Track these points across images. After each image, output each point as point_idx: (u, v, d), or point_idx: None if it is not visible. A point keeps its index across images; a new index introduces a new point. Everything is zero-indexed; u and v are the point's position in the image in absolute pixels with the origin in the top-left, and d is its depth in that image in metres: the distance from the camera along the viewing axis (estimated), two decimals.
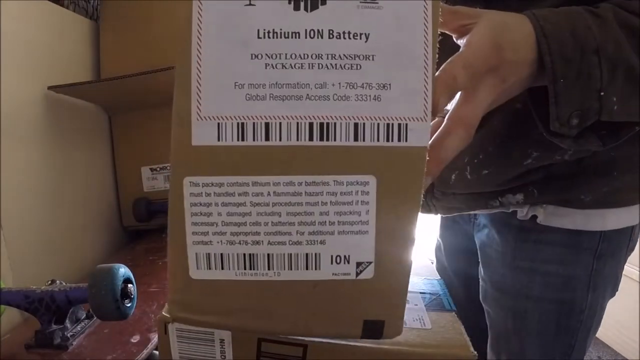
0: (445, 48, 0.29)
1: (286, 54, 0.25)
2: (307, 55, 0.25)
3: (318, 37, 0.25)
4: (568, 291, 0.49)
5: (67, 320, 0.60)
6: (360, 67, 0.25)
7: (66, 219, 0.89)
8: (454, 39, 0.32)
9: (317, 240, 0.27)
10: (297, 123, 0.25)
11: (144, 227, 1.07)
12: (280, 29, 0.25)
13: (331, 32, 0.25)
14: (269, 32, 0.25)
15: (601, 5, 0.34)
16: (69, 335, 0.60)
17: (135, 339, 0.61)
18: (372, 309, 0.29)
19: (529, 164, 0.44)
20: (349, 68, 0.25)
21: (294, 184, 0.26)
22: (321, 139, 0.25)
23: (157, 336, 0.58)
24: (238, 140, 0.25)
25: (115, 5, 1.05)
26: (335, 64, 0.25)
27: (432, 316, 0.39)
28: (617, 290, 0.53)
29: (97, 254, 0.99)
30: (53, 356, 0.58)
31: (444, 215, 0.59)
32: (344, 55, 0.25)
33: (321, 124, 0.25)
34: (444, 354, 0.34)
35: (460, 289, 0.63)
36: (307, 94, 0.25)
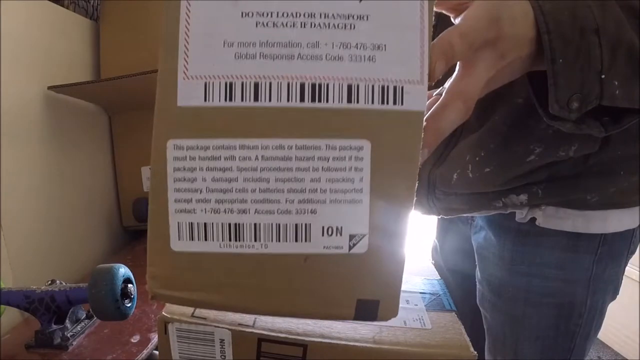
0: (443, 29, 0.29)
1: (277, 12, 0.24)
2: (299, 14, 0.24)
3: None
4: (567, 295, 0.48)
5: (67, 320, 0.60)
6: (354, 26, 0.24)
7: (66, 219, 0.89)
8: (452, 19, 0.32)
9: (307, 210, 0.25)
10: (288, 83, 0.24)
11: (144, 227, 1.07)
12: None
13: None
14: None
15: None
16: (69, 335, 0.60)
17: (135, 339, 0.61)
18: (366, 287, 0.26)
19: (532, 161, 0.43)
20: (342, 28, 0.24)
21: (283, 148, 0.25)
22: (313, 100, 0.24)
23: (157, 336, 0.59)
24: (226, 100, 0.24)
25: (115, 5, 1.05)
26: (328, 23, 0.24)
27: (432, 316, 0.39)
28: (617, 294, 0.52)
29: (97, 254, 0.99)
30: (53, 356, 0.58)
31: (444, 217, 0.58)
32: (337, 14, 0.24)
33: (313, 85, 0.24)
34: (444, 354, 0.34)
35: (456, 290, 0.63)
36: (299, 54, 0.24)
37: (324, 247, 0.26)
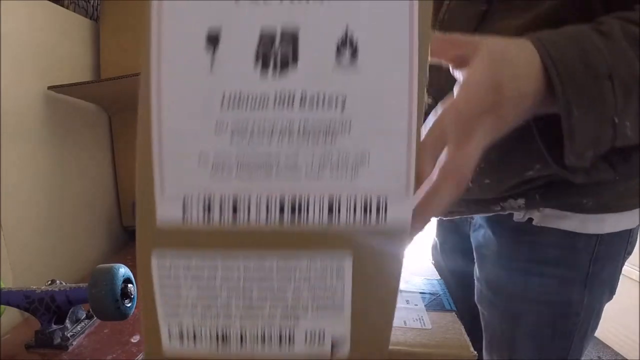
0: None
1: (254, 123, 0.23)
2: (277, 125, 0.23)
3: (289, 103, 0.22)
4: (564, 293, 0.48)
5: (67, 320, 0.60)
6: (336, 138, 0.23)
7: (66, 219, 0.90)
8: (450, 70, 0.30)
9: (290, 317, 0.25)
10: (267, 198, 0.23)
11: None
12: (247, 95, 0.22)
13: (304, 95, 0.22)
14: (234, 98, 0.22)
15: (606, 21, 0.32)
16: (69, 335, 0.60)
17: (135, 339, 0.61)
18: None
19: (531, 175, 0.43)
20: (322, 140, 0.23)
21: (265, 260, 0.25)
22: (292, 215, 0.23)
23: None
24: (204, 216, 0.24)
25: (115, 5, 1.05)
26: (308, 134, 0.23)
27: (432, 316, 0.39)
28: (614, 294, 0.52)
29: (97, 254, 0.99)
30: (53, 356, 0.58)
31: (442, 217, 0.58)
32: (317, 125, 0.23)
33: (292, 200, 0.23)
34: (444, 354, 0.34)
35: (456, 288, 0.63)
36: (277, 169, 0.23)
37: (307, 354, 0.26)
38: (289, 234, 0.24)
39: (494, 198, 0.46)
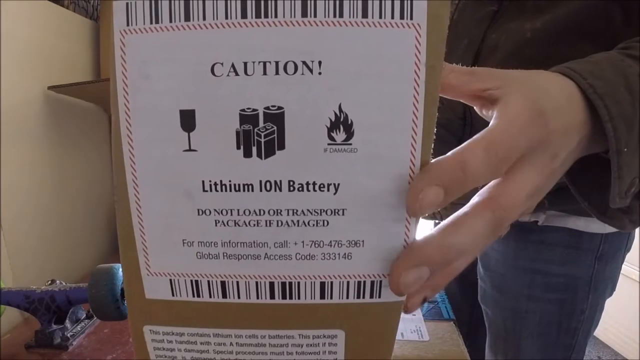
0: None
1: (238, 210, 0.21)
2: (264, 211, 0.21)
3: (276, 190, 0.20)
4: (569, 292, 0.49)
5: (67, 320, 0.60)
6: (328, 223, 0.21)
7: (66, 219, 0.89)
8: (477, 110, 0.25)
9: None
10: (257, 282, 0.22)
11: None
12: (230, 181, 0.20)
13: (292, 183, 0.20)
14: (215, 184, 0.20)
15: (633, 45, 0.29)
16: (69, 335, 0.60)
17: None
18: None
19: None
20: (314, 225, 0.21)
21: (257, 337, 0.24)
22: (284, 297, 0.23)
23: None
24: (193, 296, 0.23)
25: None
26: (297, 221, 0.21)
27: (430, 326, 0.39)
28: (614, 291, 0.53)
29: (97, 254, 0.99)
30: (53, 356, 0.58)
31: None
32: (308, 210, 0.21)
33: (283, 283, 0.22)
34: None
35: (457, 288, 0.63)
36: (266, 253, 0.22)
37: None
38: (280, 315, 0.23)
39: None
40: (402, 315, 0.35)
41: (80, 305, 0.62)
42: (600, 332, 1.58)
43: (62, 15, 0.92)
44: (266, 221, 0.21)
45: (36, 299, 0.57)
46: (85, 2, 1.04)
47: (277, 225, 0.21)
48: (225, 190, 0.21)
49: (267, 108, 0.19)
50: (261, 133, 0.20)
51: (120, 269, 0.53)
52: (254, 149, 0.20)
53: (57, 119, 0.88)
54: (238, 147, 0.20)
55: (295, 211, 0.21)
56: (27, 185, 0.79)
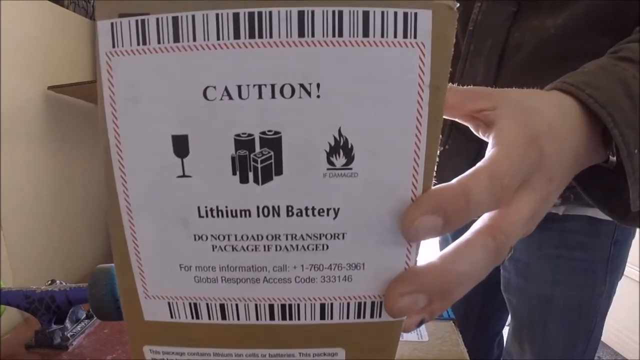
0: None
1: (236, 236, 0.21)
2: (262, 237, 0.20)
3: (274, 215, 0.20)
4: (590, 275, 0.52)
5: (67, 320, 0.60)
6: (328, 247, 0.21)
7: (66, 219, 0.89)
8: (472, 130, 0.25)
9: None
10: (256, 305, 0.22)
11: None
12: (226, 207, 0.20)
13: (290, 208, 0.20)
14: (211, 209, 0.20)
15: (623, 47, 0.30)
16: (69, 335, 0.60)
17: None
18: None
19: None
20: (313, 249, 0.21)
21: (257, 356, 0.24)
22: (283, 318, 0.22)
23: None
24: (192, 318, 0.23)
25: None
26: (297, 245, 0.21)
27: (430, 326, 0.39)
28: (622, 275, 0.56)
29: (97, 254, 0.99)
30: (53, 356, 0.58)
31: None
32: (307, 235, 0.20)
33: (283, 305, 0.22)
34: None
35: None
36: (265, 277, 0.21)
37: None
38: (280, 335, 0.23)
39: None
40: None
41: (80, 305, 0.62)
42: None
43: (62, 15, 0.92)
44: (264, 246, 0.21)
45: (36, 299, 0.57)
46: (85, 2, 1.04)
47: (276, 250, 0.21)
48: (222, 216, 0.20)
49: (264, 133, 0.19)
50: (257, 159, 0.19)
51: None
52: (251, 175, 0.19)
53: (57, 119, 0.88)
54: (234, 173, 0.19)
55: (294, 236, 0.20)
56: (27, 185, 0.79)
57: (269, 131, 0.19)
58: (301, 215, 0.20)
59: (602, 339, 1.59)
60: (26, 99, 0.80)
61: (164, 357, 0.24)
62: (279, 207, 0.20)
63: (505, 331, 0.72)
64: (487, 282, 0.63)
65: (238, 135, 0.19)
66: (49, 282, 0.60)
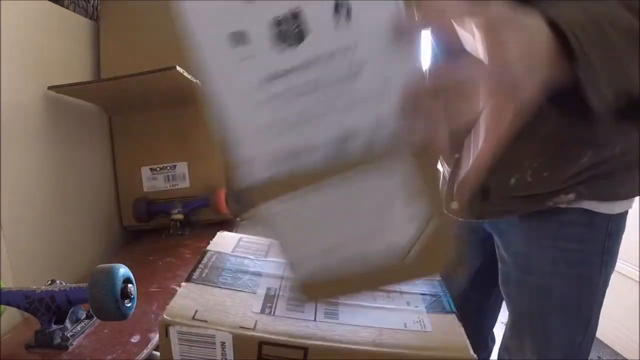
0: None
1: (287, 91, 0.28)
2: (307, 84, 0.28)
3: (313, 65, 0.27)
4: (586, 266, 0.54)
5: (67, 320, 0.60)
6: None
7: (66, 219, 0.89)
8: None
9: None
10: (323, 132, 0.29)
11: (144, 227, 1.07)
12: (275, 71, 0.28)
13: (321, 56, 0.27)
14: (266, 77, 0.28)
15: None
16: (69, 335, 0.60)
17: (135, 339, 0.61)
18: None
19: (584, 162, 0.49)
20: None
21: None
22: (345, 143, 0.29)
23: (157, 336, 0.58)
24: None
25: (115, 5, 1.05)
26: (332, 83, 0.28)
27: (433, 318, 0.39)
28: (614, 268, 0.58)
29: (97, 254, 0.99)
30: (53, 356, 0.58)
31: (489, 220, 0.60)
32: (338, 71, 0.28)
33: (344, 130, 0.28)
34: (444, 356, 0.34)
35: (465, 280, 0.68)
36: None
37: None
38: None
39: (549, 192, 0.52)
40: (405, 307, 0.39)
41: (80, 305, 0.62)
42: (600, 332, 1.58)
43: (62, 15, 0.92)
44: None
45: (36, 299, 0.57)
46: (85, 2, 1.04)
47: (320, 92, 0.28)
48: (274, 81, 0.28)
49: (290, 11, 0.27)
50: (290, 29, 0.27)
51: (120, 269, 0.53)
52: (286, 43, 0.27)
53: (57, 119, 0.88)
54: (274, 45, 0.27)
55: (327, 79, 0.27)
56: (27, 185, 0.79)
57: (292, 9, 0.26)
58: (332, 60, 0.27)
59: (602, 339, 1.60)
60: (26, 99, 0.80)
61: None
62: (313, 58, 0.27)
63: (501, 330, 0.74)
64: (483, 277, 0.65)
65: (274, 17, 0.27)
66: (49, 282, 0.60)
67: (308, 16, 0.27)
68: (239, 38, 0.27)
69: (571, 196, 0.51)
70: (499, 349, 0.67)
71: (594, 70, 0.29)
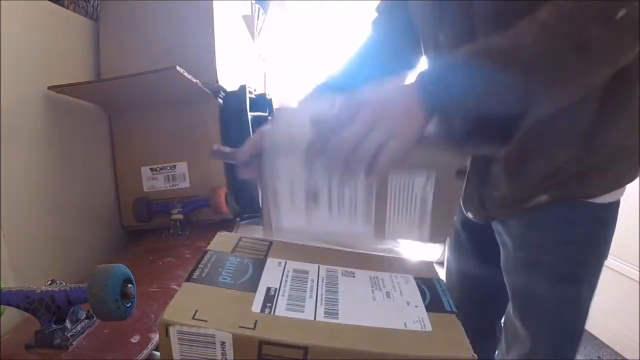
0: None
1: None
2: None
3: None
4: (572, 247, 0.58)
5: (67, 320, 0.60)
6: None
7: (66, 219, 0.89)
8: None
9: None
10: None
11: (144, 227, 1.07)
12: None
13: None
14: None
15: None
16: (69, 335, 0.60)
17: (135, 339, 0.61)
18: None
19: (551, 169, 0.54)
20: None
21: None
22: None
23: (157, 336, 0.58)
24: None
25: (115, 5, 1.05)
26: None
27: (433, 317, 0.39)
28: (606, 257, 0.62)
29: (97, 254, 0.99)
30: (53, 356, 0.58)
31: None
32: None
33: None
34: (444, 357, 0.34)
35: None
36: None
37: None
38: None
39: (525, 197, 0.57)
40: (405, 306, 0.40)
41: (80, 305, 0.62)
42: (600, 332, 1.58)
43: (62, 15, 0.92)
44: None
45: (36, 299, 0.57)
46: (85, 2, 1.04)
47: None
48: None
49: None
50: None
51: (120, 269, 0.53)
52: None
53: (57, 119, 0.88)
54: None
55: None
56: (27, 185, 0.80)
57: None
58: None
59: (602, 339, 1.60)
60: (26, 99, 0.80)
61: None
62: None
63: None
64: (487, 266, 0.70)
65: None
66: (49, 282, 0.60)
67: None
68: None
69: (544, 197, 0.56)
70: (503, 331, 0.71)
71: (441, 109, 0.43)
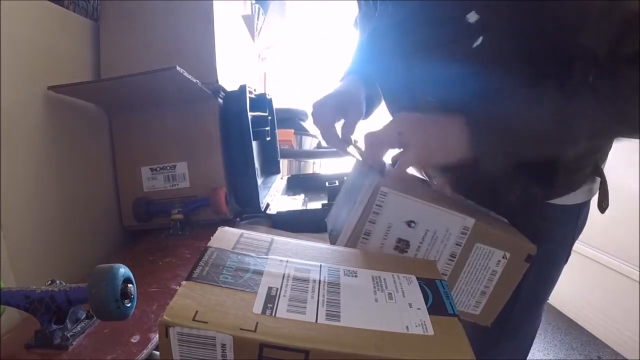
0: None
1: None
2: None
3: None
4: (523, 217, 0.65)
5: (67, 320, 0.60)
6: None
7: (66, 218, 0.89)
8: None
9: None
10: None
11: (144, 227, 1.07)
12: None
13: None
14: None
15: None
16: (69, 335, 0.60)
17: (135, 339, 0.61)
18: None
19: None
20: None
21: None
22: None
23: (157, 336, 0.58)
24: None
25: (115, 5, 1.05)
26: None
27: (434, 320, 0.38)
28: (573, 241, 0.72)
29: (97, 254, 0.99)
30: (53, 356, 0.58)
31: None
32: None
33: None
34: None
35: None
36: None
37: None
38: None
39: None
40: (407, 308, 0.41)
41: (80, 305, 0.62)
42: (600, 332, 1.58)
43: (62, 15, 0.92)
44: None
45: (36, 299, 0.57)
46: (85, 2, 1.04)
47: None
48: None
49: None
50: None
51: (120, 269, 0.53)
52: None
53: (57, 119, 0.88)
54: None
55: None
56: (27, 185, 0.79)
57: None
58: None
59: (602, 339, 1.60)
60: (26, 99, 0.80)
61: None
62: None
63: None
64: None
65: None
66: (49, 282, 0.60)
67: None
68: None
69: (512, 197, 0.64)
70: None
71: (484, 154, 0.52)
